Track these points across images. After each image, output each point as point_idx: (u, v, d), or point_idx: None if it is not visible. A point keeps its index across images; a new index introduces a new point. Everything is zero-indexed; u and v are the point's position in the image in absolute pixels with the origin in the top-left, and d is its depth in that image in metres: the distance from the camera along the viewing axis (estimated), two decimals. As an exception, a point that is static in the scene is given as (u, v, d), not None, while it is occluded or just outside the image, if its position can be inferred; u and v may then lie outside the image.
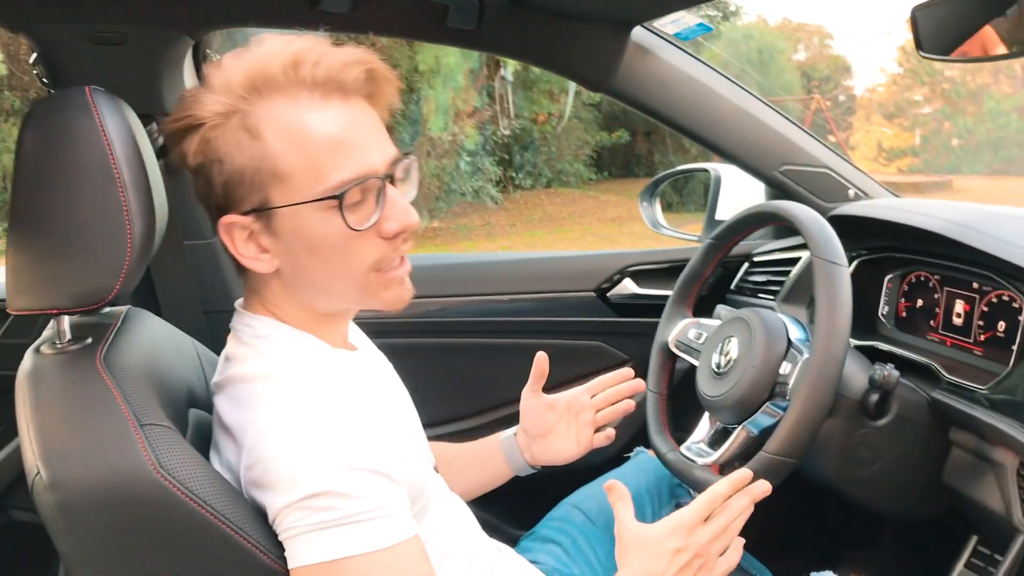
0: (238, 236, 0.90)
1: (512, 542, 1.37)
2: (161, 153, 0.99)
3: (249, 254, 0.91)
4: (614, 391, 1.33)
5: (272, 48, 0.87)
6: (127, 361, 0.93)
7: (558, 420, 1.32)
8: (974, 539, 1.51)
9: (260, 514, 0.87)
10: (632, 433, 1.78)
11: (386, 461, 0.86)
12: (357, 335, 1.12)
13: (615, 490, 1.06)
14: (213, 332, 1.57)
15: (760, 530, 1.61)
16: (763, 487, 1.05)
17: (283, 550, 0.85)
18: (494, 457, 1.34)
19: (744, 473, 1.06)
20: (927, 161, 16.71)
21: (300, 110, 0.87)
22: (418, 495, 0.97)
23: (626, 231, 10.01)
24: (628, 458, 1.59)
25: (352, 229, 0.88)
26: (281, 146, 0.86)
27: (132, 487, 0.82)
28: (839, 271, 1.14)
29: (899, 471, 1.29)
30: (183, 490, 0.83)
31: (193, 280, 1.60)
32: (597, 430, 1.34)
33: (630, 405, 1.34)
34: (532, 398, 1.32)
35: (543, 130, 11.86)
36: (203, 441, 0.99)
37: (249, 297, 0.99)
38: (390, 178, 0.91)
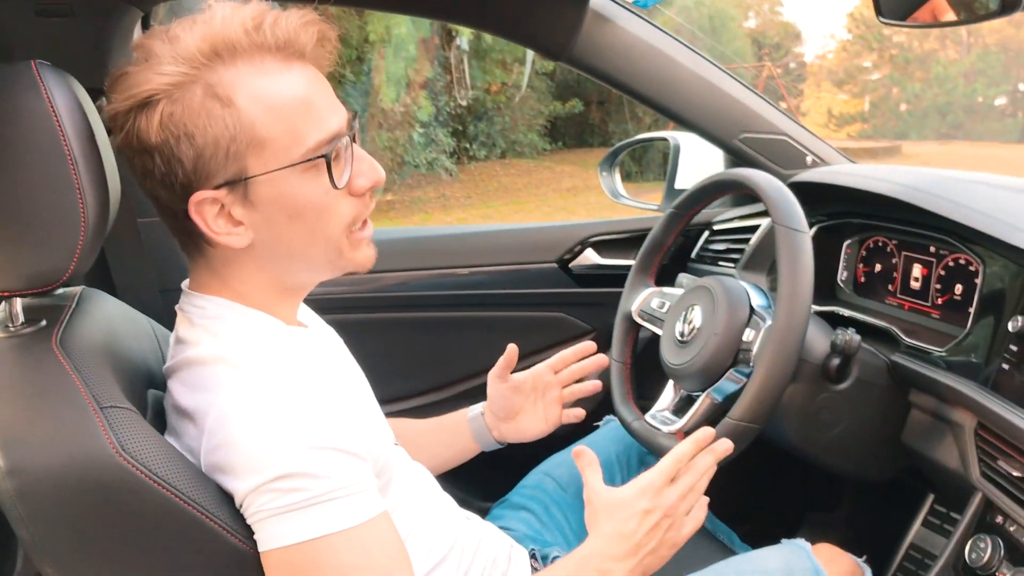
0: (209, 213, 0.87)
1: (483, 513, 1.37)
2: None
3: (222, 230, 0.88)
4: (579, 367, 1.33)
5: (225, 13, 0.85)
6: (84, 343, 0.91)
7: (524, 400, 1.32)
8: (931, 498, 1.55)
9: (226, 496, 0.85)
10: (597, 401, 1.79)
11: (350, 438, 0.85)
12: (305, 312, 1.11)
13: (583, 456, 1.07)
14: (170, 311, 1.53)
15: (725, 495, 1.64)
16: (725, 445, 1.06)
17: (251, 531, 0.84)
18: (462, 434, 1.34)
19: (706, 432, 1.07)
20: (877, 127, 16.99)
21: (267, 75, 0.85)
22: (382, 470, 0.96)
23: (582, 201, 10.02)
24: (598, 427, 1.61)
25: (335, 188, 0.88)
26: (256, 112, 0.84)
27: (94, 472, 0.80)
28: (801, 238, 1.14)
29: (860, 433, 1.31)
30: (147, 473, 0.81)
31: (148, 259, 1.56)
32: (567, 406, 1.34)
33: (597, 385, 1.35)
34: (499, 383, 1.31)
35: (496, 100, 11.79)
36: (163, 422, 0.97)
37: (201, 277, 0.95)
38: (352, 136, 0.92)
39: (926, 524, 1.57)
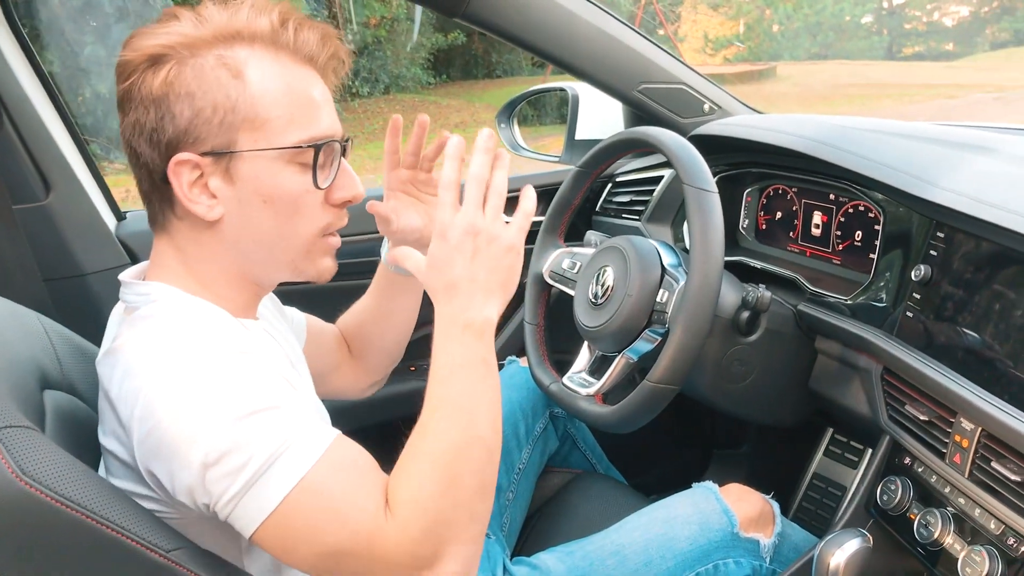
0: (187, 177, 0.87)
1: None
2: None
3: (195, 198, 0.88)
4: (432, 148, 1.18)
5: (257, 3, 0.89)
6: None
7: (410, 212, 1.20)
8: (830, 431, 1.62)
9: (141, 509, 0.82)
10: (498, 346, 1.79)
11: (277, 394, 0.82)
12: (267, 309, 1.09)
13: (397, 256, 0.98)
14: (58, 302, 1.44)
15: (635, 444, 1.67)
16: (486, 133, 0.93)
17: (171, 539, 0.81)
18: (390, 283, 1.26)
19: (489, 134, 0.93)
20: (752, 49, 17.32)
21: (280, 63, 0.88)
22: None
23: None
24: (502, 366, 1.60)
25: (316, 187, 0.90)
26: (262, 90, 0.86)
27: None
28: (711, 198, 1.15)
29: (770, 382, 1.35)
30: (53, 496, 0.76)
31: (28, 248, 1.45)
32: None
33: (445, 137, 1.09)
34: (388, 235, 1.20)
35: (377, 35, 11.46)
36: (65, 426, 0.92)
37: (160, 256, 0.94)
38: (343, 149, 0.94)
39: (827, 454, 1.65)
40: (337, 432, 0.85)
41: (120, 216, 1.67)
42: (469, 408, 0.86)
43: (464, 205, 0.90)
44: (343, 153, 0.94)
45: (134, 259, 1.57)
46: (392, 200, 1.20)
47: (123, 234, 1.60)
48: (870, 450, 1.53)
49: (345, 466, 0.83)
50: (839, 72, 14.33)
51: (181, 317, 0.88)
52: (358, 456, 0.85)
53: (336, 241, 0.97)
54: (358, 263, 1.71)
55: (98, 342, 1.06)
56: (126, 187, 3.88)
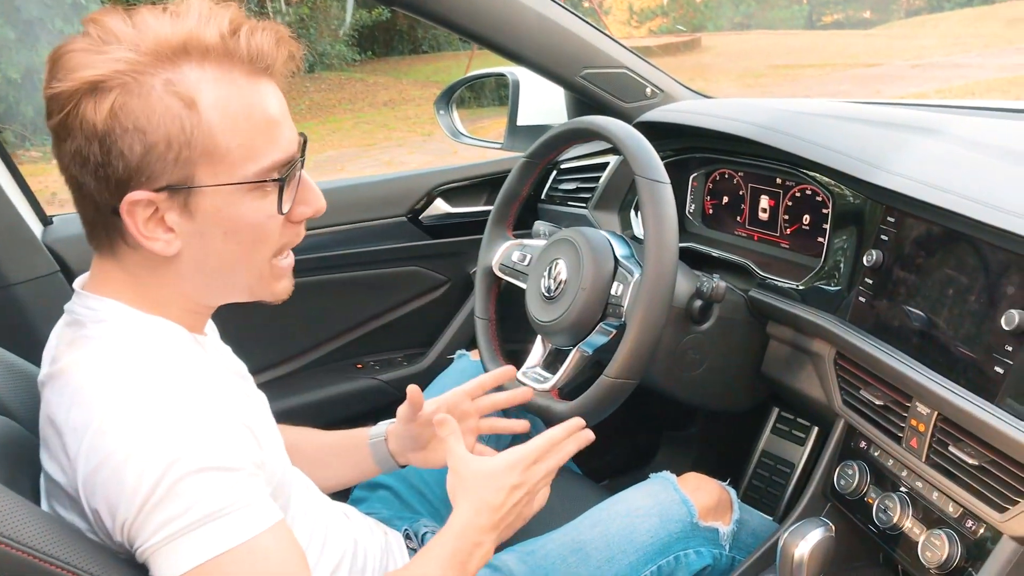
0: (141, 215, 0.80)
1: (347, 496, 1.33)
2: None
3: (151, 234, 0.81)
4: (502, 398, 1.23)
5: (203, 11, 0.80)
6: None
7: (435, 432, 1.21)
8: (776, 410, 1.64)
9: (79, 537, 0.78)
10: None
11: (237, 454, 0.80)
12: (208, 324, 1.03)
13: (446, 424, 1.05)
14: None
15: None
16: (588, 436, 1.08)
17: (108, 568, 0.77)
18: (364, 459, 1.25)
19: (578, 422, 1.08)
20: (676, 20, 17.42)
21: (235, 85, 0.81)
22: (278, 488, 0.91)
23: (400, 115, 9.78)
24: (452, 360, 1.59)
25: (281, 213, 0.85)
26: (219, 120, 0.79)
27: None
28: (663, 189, 1.14)
29: (724, 368, 1.35)
30: None
31: None
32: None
33: (525, 425, 1.24)
34: (408, 424, 1.21)
35: (299, 12, 11.20)
36: None
37: (106, 275, 0.87)
38: (302, 161, 0.89)
39: (775, 431, 1.67)
40: (281, 516, 0.83)
41: (46, 221, 1.57)
42: None
43: (545, 464, 1.03)
44: (302, 154, 0.89)
45: (64, 266, 1.49)
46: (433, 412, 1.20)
47: (51, 240, 1.51)
48: (816, 428, 1.55)
49: (283, 553, 0.81)
50: (761, 42, 14.52)
51: (135, 343, 0.83)
52: (294, 547, 0.84)
53: (290, 262, 0.93)
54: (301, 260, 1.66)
55: (30, 356, 1.01)
56: (52, 190, 3.71)
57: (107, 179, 0.79)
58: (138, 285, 0.86)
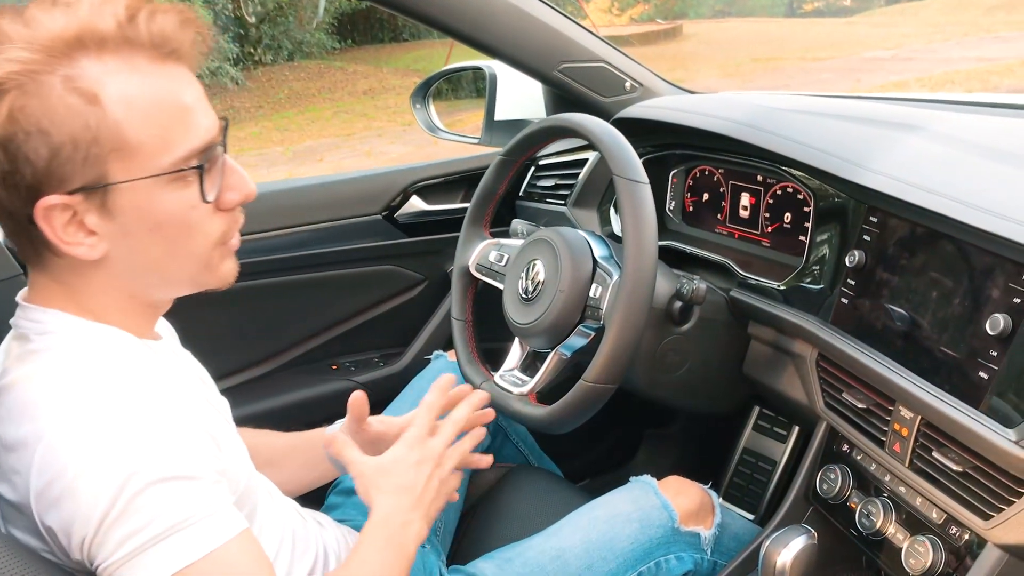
0: (59, 220, 0.76)
1: (321, 502, 1.30)
2: None
3: (72, 239, 0.78)
4: (464, 414, 1.13)
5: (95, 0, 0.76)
6: None
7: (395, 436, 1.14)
8: (757, 408, 1.63)
9: (37, 558, 0.76)
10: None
11: (197, 463, 0.78)
12: (163, 324, 1.00)
13: (334, 443, 1.05)
14: None
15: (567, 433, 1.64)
16: (480, 395, 1.10)
17: None
18: (320, 459, 1.21)
19: (449, 379, 1.09)
20: (657, 7, 17.39)
21: (139, 73, 0.76)
22: (243, 496, 0.89)
23: (380, 105, 9.71)
24: (429, 360, 1.56)
25: (204, 202, 0.81)
26: (125, 113, 0.75)
27: None
28: (642, 189, 1.11)
29: (705, 370, 1.33)
30: None
31: None
32: None
33: (481, 434, 1.13)
34: (357, 437, 1.15)
35: (279, 0, 11.09)
36: None
37: (42, 288, 0.84)
38: (223, 146, 0.84)
39: (756, 429, 1.65)
40: (247, 525, 0.81)
41: None
42: None
43: (441, 436, 1.03)
44: (223, 139, 0.85)
45: (25, 269, 1.45)
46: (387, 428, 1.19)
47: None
48: (797, 427, 1.54)
49: (249, 561, 0.79)
50: (742, 30, 14.52)
51: (82, 353, 0.80)
52: (260, 556, 0.82)
53: (236, 242, 0.89)
54: (261, 262, 1.63)
55: None
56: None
57: (16, 187, 0.75)
58: (73, 294, 0.83)
